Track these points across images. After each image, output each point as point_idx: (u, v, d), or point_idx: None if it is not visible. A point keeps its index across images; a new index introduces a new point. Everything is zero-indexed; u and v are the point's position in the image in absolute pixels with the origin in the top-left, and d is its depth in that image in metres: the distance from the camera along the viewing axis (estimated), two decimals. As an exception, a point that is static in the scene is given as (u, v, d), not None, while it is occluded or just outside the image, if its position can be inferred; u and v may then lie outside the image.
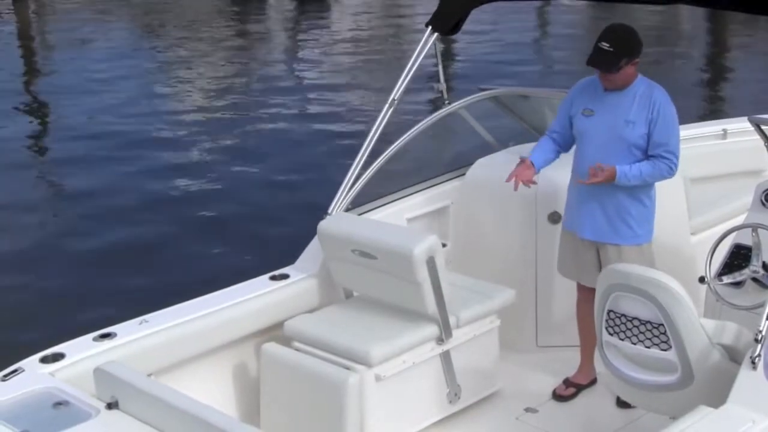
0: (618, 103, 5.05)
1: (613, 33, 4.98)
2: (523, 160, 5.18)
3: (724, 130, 7.03)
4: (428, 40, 5.75)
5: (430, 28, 5.78)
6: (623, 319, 4.22)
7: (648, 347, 4.16)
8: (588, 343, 5.45)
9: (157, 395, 3.86)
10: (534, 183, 5.20)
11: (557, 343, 5.83)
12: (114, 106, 15.08)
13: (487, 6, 5.88)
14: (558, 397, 5.44)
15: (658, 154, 4.98)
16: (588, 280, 5.32)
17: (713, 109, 14.03)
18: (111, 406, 3.98)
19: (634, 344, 4.21)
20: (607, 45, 4.91)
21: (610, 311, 4.27)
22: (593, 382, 5.50)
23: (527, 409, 5.34)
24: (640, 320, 4.16)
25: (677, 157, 5.01)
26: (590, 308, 5.22)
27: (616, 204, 5.09)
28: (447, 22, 5.78)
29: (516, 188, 5.12)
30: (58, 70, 18.34)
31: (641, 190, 5.10)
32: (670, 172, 5.02)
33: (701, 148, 6.94)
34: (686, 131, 7.03)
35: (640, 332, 4.17)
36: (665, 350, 4.11)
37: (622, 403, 5.23)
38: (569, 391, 5.46)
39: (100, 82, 16.80)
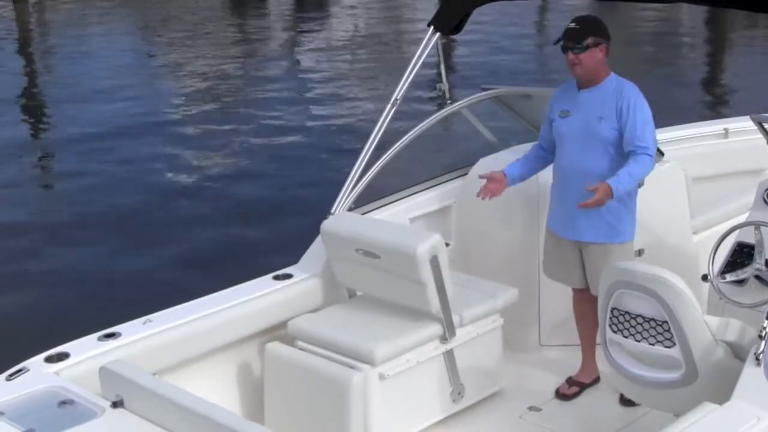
0: (590, 100, 5.12)
1: (580, 16, 5.17)
2: (494, 175, 5.28)
3: (726, 129, 7.05)
4: (430, 40, 5.77)
5: (432, 27, 5.80)
6: (627, 317, 4.23)
7: (652, 344, 4.16)
8: (588, 342, 5.48)
9: (163, 394, 3.86)
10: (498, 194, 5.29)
11: (560, 342, 5.84)
12: (113, 106, 15.09)
13: (488, 6, 5.89)
14: (561, 395, 5.45)
15: (635, 147, 4.96)
16: (573, 281, 5.38)
17: (714, 109, 14.02)
18: (116, 404, 3.97)
19: (638, 341, 4.21)
20: (574, 24, 5.07)
21: (613, 309, 4.28)
22: (596, 380, 5.51)
23: (530, 408, 5.34)
24: (644, 317, 4.17)
25: (652, 149, 4.99)
26: (587, 307, 5.26)
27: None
28: (449, 22, 5.80)
29: (483, 198, 5.26)
30: (58, 69, 18.35)
31: None
32: (652, 161, 4.99)
33: (703, 148, 6.95)
34: (688, 130, 7.10)
35: (644, 329, 4.17)
36: (669, 347, 4.12)
37: (625, 401, 5.25)
38: (572, 390, 5.47)
39: (98, 82, 16.81)
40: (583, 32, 5.03)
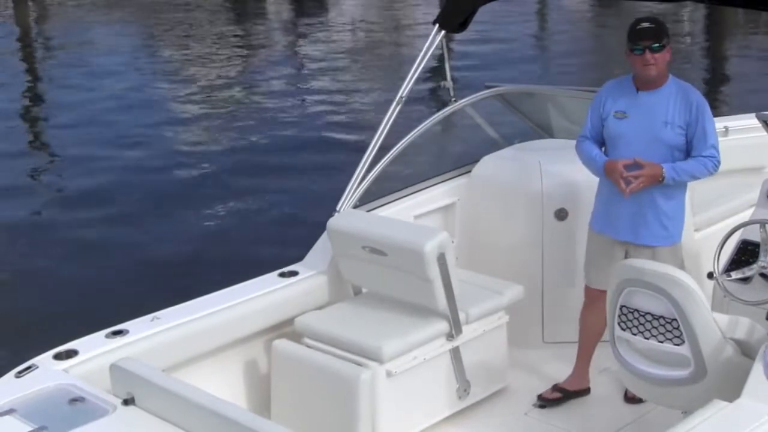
0: (653, 104, 5.00)
1: (646, 18, 5.00)
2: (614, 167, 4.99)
3: (726, 128, 7.03)
4: (435, 38, 5.77)
5: (437, 25, 5.80)
6: (636, 314, 4.24)
7: (661, 342, 4.18)
8: (586, 350, 5.43)
9: (175, 391, 3.86)
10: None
11: (563, 339, 5.84)
12: (113, 108, 15.07)
13: (492, 4, 5.89)
14: (542, 400, 5.35)
15: (701, 154, 4.95)
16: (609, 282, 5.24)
17: (714, 107, 14.05)
18: (127, 402, 3.98)
19: (647, 339, 4.23)
20: (648, 24, 4.93)
21: (622, 306, 4.29)
22: (584, 391, 5.42)
23: (535, 405, 5.36)
24: (653, 315, 4.18)
25: (719, 153, 4.98)
26: (597, 315, 5.15)
27: (653, 204, 5.02)
28: (454, 20, 5.80)
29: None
30: (57, 70, 18.31)
31: (678, 190, 5.06)
32: (715, 168, 4.99)
33: None
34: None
35: (653, 327, 4.19)
36: (678, 345, 4.13)
37: (630, 398, 5.27)
38: (554, 395, 5.37)
39: (98, 83, 16.77)
40: (661, 31, 4.92)
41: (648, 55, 4.91)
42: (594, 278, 5.33)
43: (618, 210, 5.11)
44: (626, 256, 5.12)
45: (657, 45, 4.90)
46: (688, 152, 5.01)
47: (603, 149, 5.20)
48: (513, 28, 20.82)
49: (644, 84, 5.03)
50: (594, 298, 5.31)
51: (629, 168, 4.94)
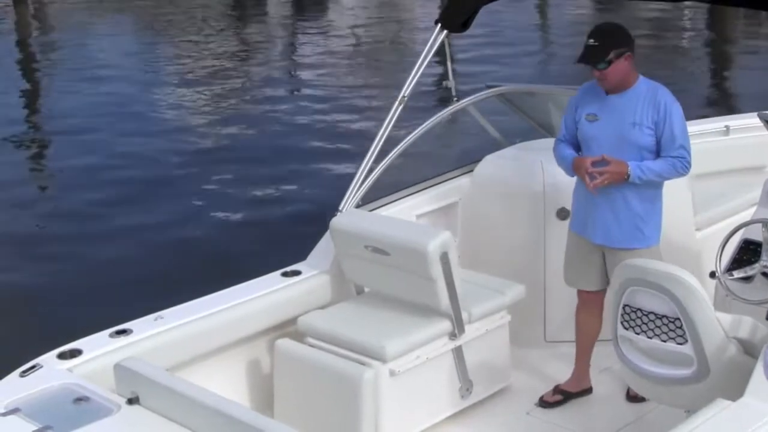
0: (621, 105, 4.99)
1: (598, 29, 4.98)
2: (581, 163, 5.04)
3: (727, 127, 7.04)
4: (437, 38, 5.79)
5: (439, 25, 5.82)
6: (639, 314, 4.25)
7: (664, 341, 4.19)
8: (584, 351, 5.44)
9: (180, 391, 3.87)
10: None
11: (565, 338, 5.84)
12: (113, 107, 15.07)
13: (494, 4, 5.90)
14: (543, 402, 5.38)
15: (670, 154, 4.94)
16: (589, 283, 5.29)
17: (715, 106, 14.07)
18: (132, 401, 3.99)
19: (650, 338, 4.23)
20: (593, 40, 4.90)
21: (625, 306, 4.30)
22: (585, 391, 5.45)
23: (537, 405, 5.37)
24: (656, 314, 4.19)
25: (689, 154, 4.97)
26: (590, 315, 5.26)
27: (628, 208, 5.02)
28: (456, 20, 5.81)
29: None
30: (57, 70, 18.30)
31: (652, 192, 5.05)
32: (685, 169, 4.97)
33: (704, 145, 6.94)
34: (689, 128, 7.07)
35: (656, 326, 4.20)
36: (681, 344, 4.14)
37: (632, 397, 5.28)
38: (555, 398, 5.39)
39: (98, 83, 16.77)
40: (604, 48, 4.85)
41: (596, 72, 4.93)
42: (569, 278, 5.40)
43: (593, 212, 5.12)
44: (603, 259, 5.16)
45: (601, 64, 4.87)
46: (659, 153, 5.00)
47: (580, 152, 5.20)
48: (514, 27, 20.81)
49: (611, 89, 5.03)
50: (585, 299, 5.37)
51: (596, 165, 4.96)
